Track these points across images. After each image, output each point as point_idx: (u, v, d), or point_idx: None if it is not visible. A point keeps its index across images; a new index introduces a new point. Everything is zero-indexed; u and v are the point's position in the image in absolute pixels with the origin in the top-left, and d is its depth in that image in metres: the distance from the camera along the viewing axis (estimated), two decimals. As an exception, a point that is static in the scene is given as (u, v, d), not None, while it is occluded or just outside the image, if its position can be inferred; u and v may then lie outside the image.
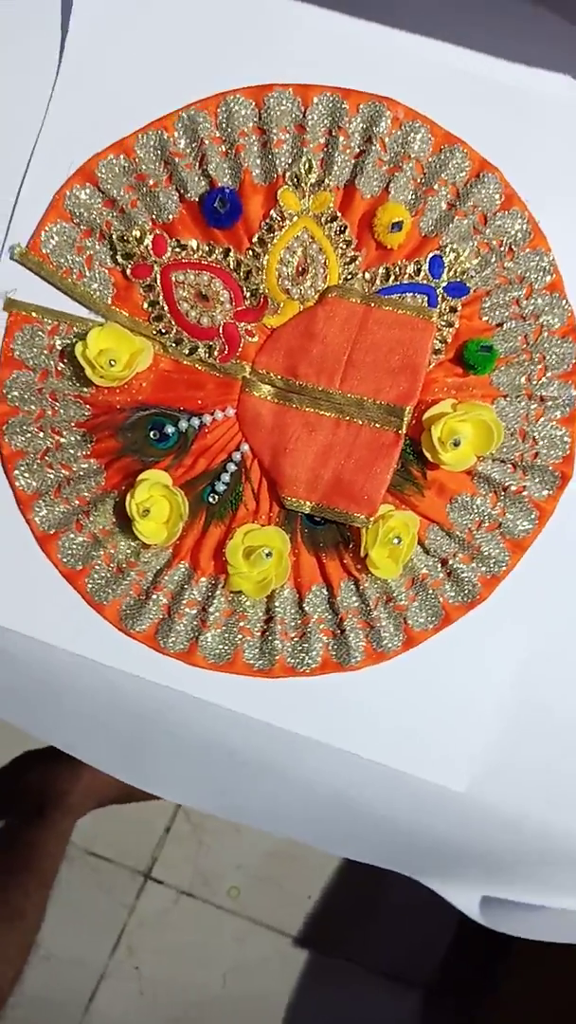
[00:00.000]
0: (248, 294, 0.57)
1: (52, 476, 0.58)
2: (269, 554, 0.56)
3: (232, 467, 0.58)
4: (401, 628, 0.59)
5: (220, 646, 0.58)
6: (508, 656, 0.58)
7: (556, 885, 0.64)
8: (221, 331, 0.57)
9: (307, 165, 0.57)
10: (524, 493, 0.58)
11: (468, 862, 0.64)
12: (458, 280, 0.57)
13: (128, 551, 0.58)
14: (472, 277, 0.57)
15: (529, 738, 0.59)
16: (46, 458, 0.58)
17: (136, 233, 0.57)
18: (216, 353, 0.58)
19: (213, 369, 0.58)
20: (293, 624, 0.58)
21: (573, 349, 0.57)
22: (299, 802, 0.61)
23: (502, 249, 0.57)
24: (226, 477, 0.58)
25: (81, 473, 0.58)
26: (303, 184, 0.57)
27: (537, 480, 0.58)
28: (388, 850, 0.63)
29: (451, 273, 0.57)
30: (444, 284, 0.57)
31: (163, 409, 0.58)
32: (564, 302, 0.57)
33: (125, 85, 0.58)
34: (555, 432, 0.58)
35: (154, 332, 0.58)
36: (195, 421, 0.58)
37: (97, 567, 0.58)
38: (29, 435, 0.58)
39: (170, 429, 0.57)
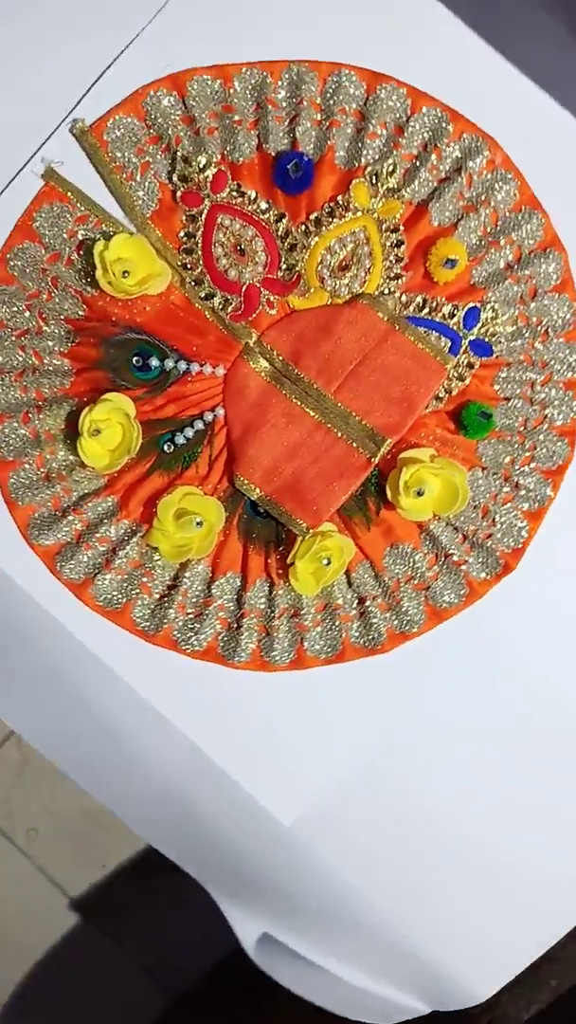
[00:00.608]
0: (284, 266, 0.55)
1: (20, 359, 0.55)
2: (200, 523, 0.54)
3: (200, 425, 0.56)
4: (295, 647, 0.57)
5: (114, 592, 0.56)
6: (384, 715, 0.57)
7: (337, 950, 0.62)
8: (244, 290, 0.55)
9: (391, 167, 0.55)
10: (463, 567, 0.57)
11: (264, 895, 0.62)
12: (486, 340, 0.56)
13: (63, 463, 0.56)
14: (500, 343, 0.56)
15: (369, 801, 0.58)
16: (22, 339, 0.55)
17: (202, 160, 0.55)
18: (230, 309, 0.55)
19: (220, 323, 0.55)
20: (194, 600, 0.56)
21: (565, 451, 0.57)
22: (130, 776, 0.59)
23: (539, 329, 0.56)
24: (189, 432, 0.56)
25: (50, 368, 0.55)
26: (379, 184, 0.55)
27: (480, 560, 0.57)
28: (192, 852, 0.61)
29: (483, 330, 0.56)
30: (472, 338, 0.56)
31: (156, 340, 0.55)
32: (574, 403, 0.56)
33: (252, 15, 0.56)
34: (516, 522, 0.57)
35: (179, 263, 0.55)
36: (182, 364, 0.55)
37: (27, 465, 0.55)
38: (15, 310, 0.55)
39: (155, 362, 0.55)
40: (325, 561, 0.55)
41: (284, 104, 0.55)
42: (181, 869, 0.63)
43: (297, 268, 0.55)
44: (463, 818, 0.58)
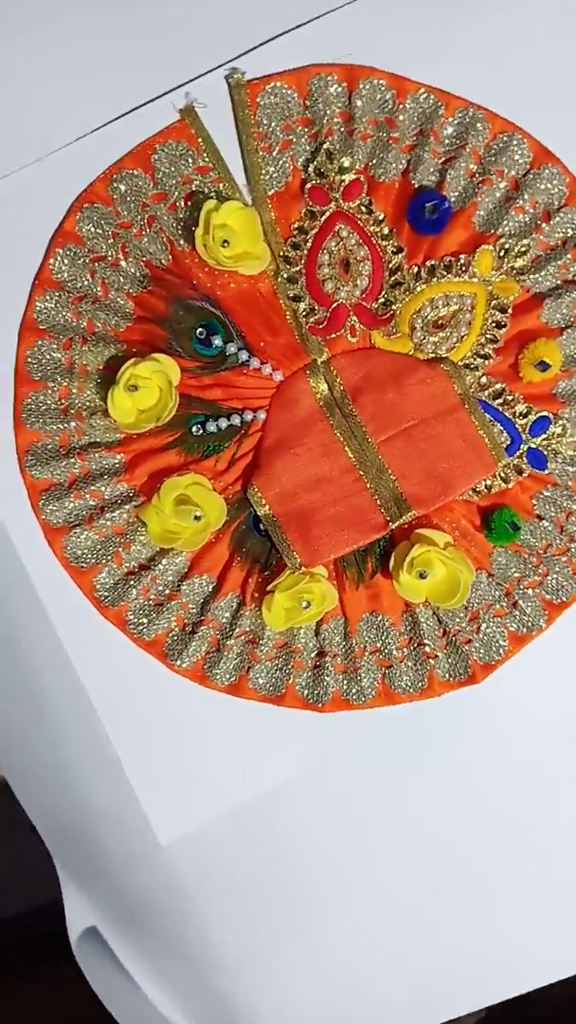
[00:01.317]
0: (382, 300, 0.52)
1: (86, 283, 0.52)
2: (198, 517, 0.51)
3: (237, 421, 0.53)
4: (239, 673, 0.54)
5: (86, 550, 0.53)
6: (301, 771, 0.55)
7: (158, 972, 0.60)
8: (334, 306, 0.52)
9: (524, 248, 0.53)
10: (431, 661, 0.55)
11: (111, 893, 0.60)
12: (545, 453, 0.54)
13: (87, 404, 0.52)
14: (557, 462, 0.54)
15: (252, 847, 0.56)
16: (95, 264, 0.52)
17: (345, 162, 0.52)
18: (313, 319, 0.52)
19: (298, 329, 0.52)
20: (161, 589, 0.53)
21: (574, 590, 0.55)
22: (27, 740, 0.56)
23: None
24: (224, 423, 0.53)
25: (112, 305, 0.52)
26: (506, 260, 0.53)
27: (450, 661, 0.55)
28: (60, 829, 0.58)
29: (545, 442, 0.54)
30: (532, 446, 0.54)
31: (228, 320, 0.52)
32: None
33: (453, 39, 0.53)
34: (499, 639, 0.55)
35: (281, 253, 0.52)
36: (243, 354, 0.52)
37: (50, 391, 0.52)
38: (100, 232, 0.51)
39: (218, 341, 0.52)
40: (304, 603, 0.52)
41: (447, 142, 0.52)
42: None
43: (394, 307, 0.52)
44: (337, 892, 0.57)
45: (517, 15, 0.53)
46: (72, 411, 0.52)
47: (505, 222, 0.53)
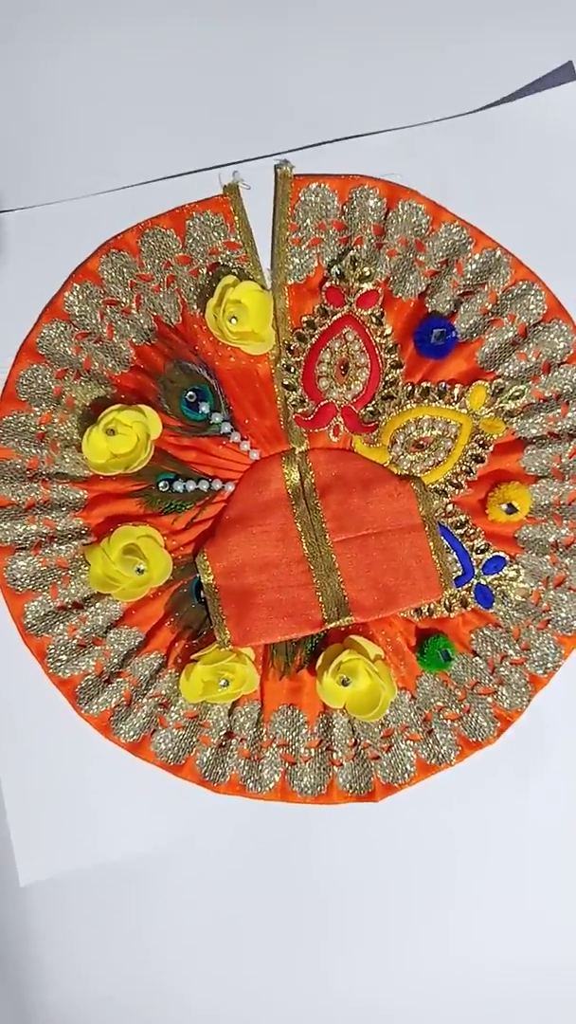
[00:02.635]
0: (371, 409, 0.54)
1: (94, 322, 0.53)
2: (141, 571, 0.52)
3: (204, 487, 0.53)
4: (142, 733, 0.54)
5: (26, 575, 0.53)
6: (173, 836, 0.54)
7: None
8: (323, 404, 0.53)
9: (518, 394, 0.54)
10: (335, 768, 0.54)
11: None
12: (493, 592, 0.54)
13: (63, 435, 0.53)
14: (504, 603, 0.54)
15: (107, 903, 0.54)
16: (107, 307, 0.53)
17: (367, 271, 0.53)
18: (300, 410, 0.54)
19: (284, 416, 0.54)
20: (88, 632, 0.53)
21: (490, 733, 0.55)
22: None
23: (543, 616, 0.55)
24: (191, 486, 0.53)
25: (112, 347, 0.53)
26: (499, 400, 0.54)
27: (354, 774, 0.54)
28: None
29: (496, 582, 0.54)
30: (482, 583, 0.54)
31: (220, 391, 0.53)
32: (525, 698, 0.55)
33: (506, 182, 0.55)
34: (407, 764, 0.54)
35: (286, 342, 0.53)
36: (226, 427, 0.53)
37: (32, 414, 0.53)
38: (120, 279, 0.53)
39: (205, 408, 0.53)
40: (223, 682, 0.52)
41: (469, 276, 0.54)
42: None
43: (380, 418, 0.54)
44: (188, 981, 0.55)
45: (557, 172, 0.55)
46: (48, 439, 0.53)
47: (506, 364, 0.54)
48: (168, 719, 0.54)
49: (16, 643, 0.53)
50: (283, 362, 0.53)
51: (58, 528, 0.53)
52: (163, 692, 0.54)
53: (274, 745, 0.54)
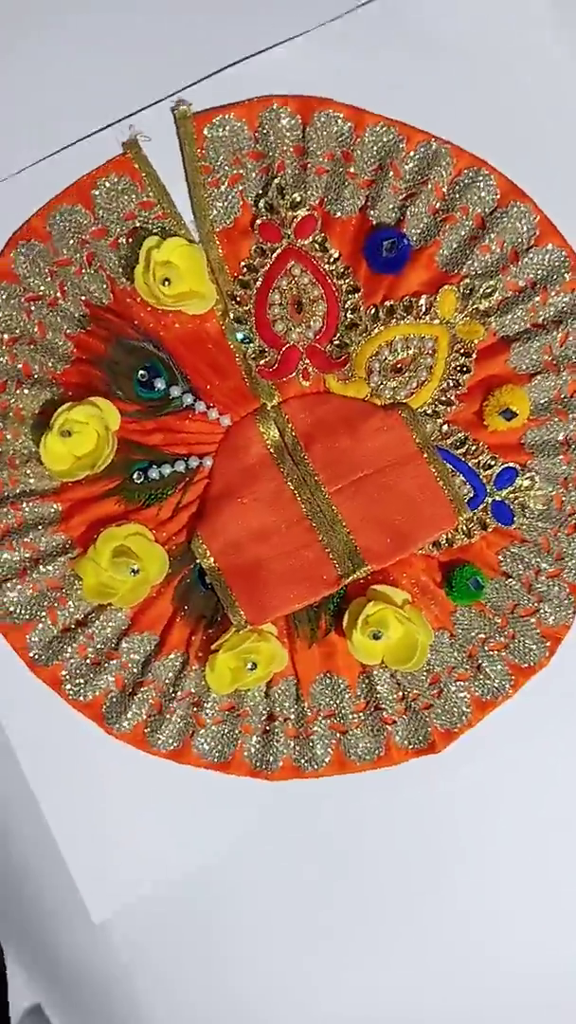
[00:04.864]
0: (337, 343, 0.49)
1: (22, 324, 0.49)
2: (136, 571, 0.48)
3: (181, 467, 0.50)
4: (183, 737, 0.51)
5: (18, 606, 0.50)
6: (248, 845, 0.51)
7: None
8: (285, 349, 0.49)
9: (490, 290, 0.50)
10: (388, 727, 0.51)
11: (52, 970, 0.56)
12: (511, 507, 0.50)
13: (21, 450, 0.49)
14: (525, 516, 0.50)
15: (182, 919, 0.51)
16: (31, 304, 0.49)
17: (297, 197, 0.49)
18: (263, 362, 0.49)
19: (247, 372, 0.50)
20: (99, 647, 0.50)
21: (541, 654, 0.51)
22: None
23: (570, 519, 0.50)
24: (167, 470, 0.49)
25: (50, 345, 0.49)
26: (471, 301, 0.50)
27: (410, 728, 0.51)
28: (4, 907, 0.54)
29: (512, 495, 0.50)
30: (498, 498, 0.50)
31: (171, 362, 0.49)
32: (571, 609, 0.51)
33: (414, 71, 0.50)
34: (462, 705, 0.51)
35: (229, 292, 0.49)
36: (188, 398, 0.49)
37: (-19, 435, 0.49)
38: (37, 270, 0.49)
39: (160, 384, 0.49)
40: (250, 665, 0.49)
41: (408, 177, 0.50)
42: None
43: (349, 349, 0.49)
44: (272, 978, 0.52)
45: (479, 47, 0.50)
46: (4, 458, 0.49)
47: (470, 262, 0.50)
48: (204, 717, 0.50)
49: (26, 679, 0.50)
50: (231, 315, 0.49)
51: (41, 549, 0.49)
52: (192, 690, 0.50)
53: (320, 717, 0.51)
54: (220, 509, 0.49)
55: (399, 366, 0.50)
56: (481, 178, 0.49)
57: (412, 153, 0.49)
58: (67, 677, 0.50)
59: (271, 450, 0.50)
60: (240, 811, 0.51)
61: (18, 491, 0.49)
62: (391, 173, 0.49)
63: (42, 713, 0.50)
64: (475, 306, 0.50)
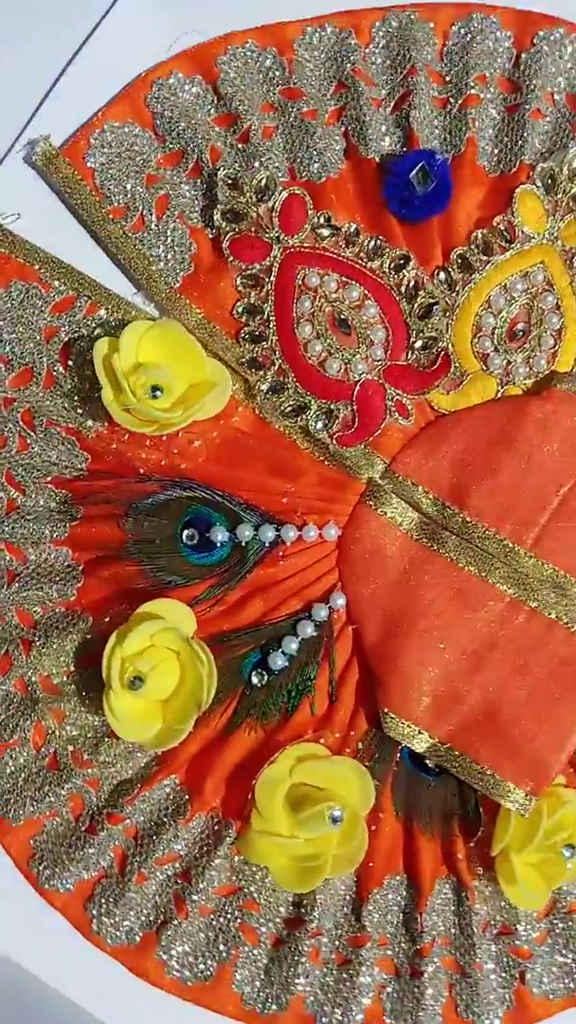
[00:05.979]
0: (418, 343, 0.33)
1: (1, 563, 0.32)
2: (337, 818, 0.30)
3: (309, 630, 0.33)
4: (512, 987, 0.33)
5: (197, 960, 0.31)
6: None
7: None
8: (356, 391, 0.32)
9: (574, 163, 0.33)
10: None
11: None
12: None
13: (82, 734, 0.31)
14: None
15: None
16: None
17: (260, 179, 0.32)
18: (336, 426, 0.33)
19: (323, 452, 0.34)
20: (334, 947, 0.32)
21: None
22: None
23: None
24: (293, 644, 0.33)
25: (40, 570, 0.32)
26: (558, 191, 0.34)
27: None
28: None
29: None
30: None
31: (218, 496, 0.32)
32: None
33: None
34: None
35: (241, 360, 0.32)
36: (268, 531, 0.33)
37: (14, 753, 0.31)
38: None
39: (221, 535, 0.32)
40: (568, 851, 0.31)
41: (384, 76, 0.34)
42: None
43: (440, 343, 0.33)
44: None
45: None
46: (66, 762, 0.31)
47: (527, 141, 0.35)
48: (526, 949, 0.32)
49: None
50: (260, 387, 0.32)
51: (181, 855, 0.31)
52: (500, 919, 0.32)
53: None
54: (396, 660, 0.33)
55: (516, 328, 0.34)
56: (481, 24, 0.35)
57: (371, 45, 0.34)
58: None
59: (415, 537, 0.33)
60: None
61: (102, 801, 0.32)
62: (361, 84, 0.33)
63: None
64: (569, 194, 0.34)
